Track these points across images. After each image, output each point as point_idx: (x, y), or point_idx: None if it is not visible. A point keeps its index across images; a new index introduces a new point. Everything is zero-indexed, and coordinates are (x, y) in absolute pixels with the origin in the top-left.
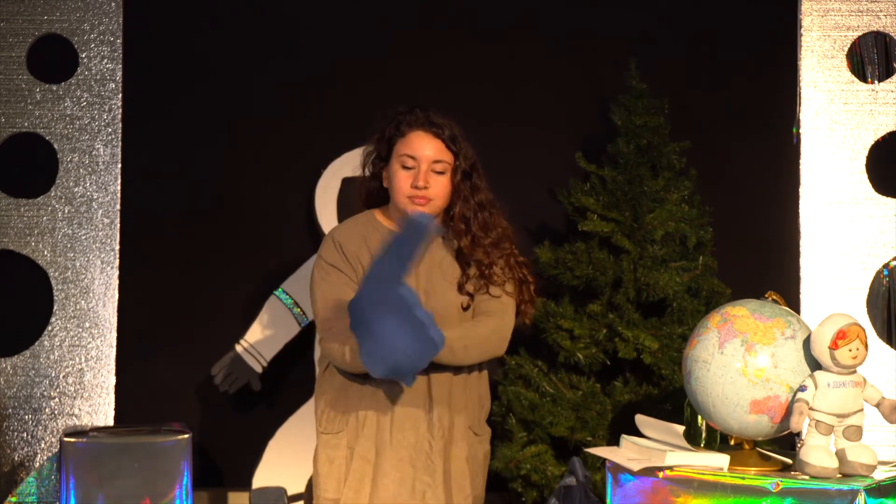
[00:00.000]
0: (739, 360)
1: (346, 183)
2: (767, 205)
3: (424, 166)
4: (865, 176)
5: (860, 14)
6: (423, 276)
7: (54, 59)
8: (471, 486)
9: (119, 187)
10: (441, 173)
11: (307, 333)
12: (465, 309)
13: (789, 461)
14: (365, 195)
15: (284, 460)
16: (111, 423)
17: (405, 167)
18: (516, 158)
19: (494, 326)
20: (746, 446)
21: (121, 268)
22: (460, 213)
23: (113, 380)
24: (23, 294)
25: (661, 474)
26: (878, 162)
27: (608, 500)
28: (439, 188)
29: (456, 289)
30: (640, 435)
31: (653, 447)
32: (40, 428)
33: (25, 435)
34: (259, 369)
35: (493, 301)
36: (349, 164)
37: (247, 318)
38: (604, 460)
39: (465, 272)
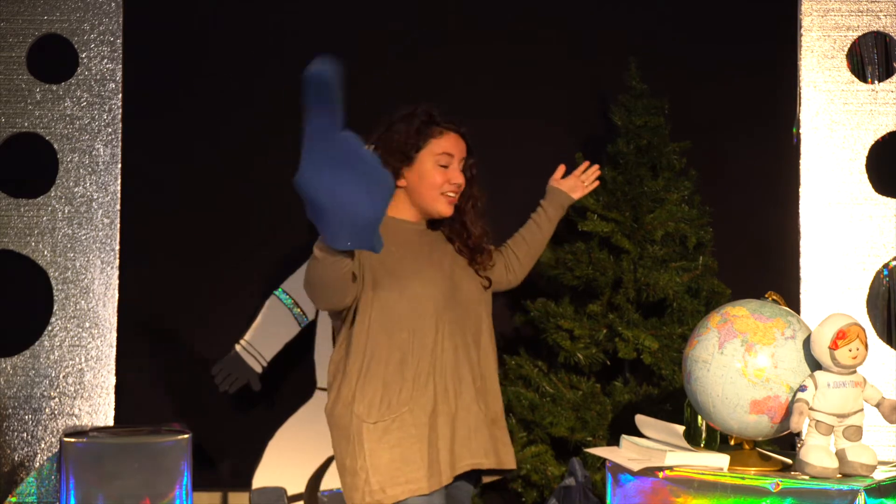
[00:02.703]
0: (739, 360)
1: None
2: (767, 205)
3: (458, 165)
4: (865, 176)
5: (860, 14)
6: (448, 269)
7: (54, 59)
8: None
9: (119, 187)
10: (463, 172)
11: (307, 333)
12: (487, 289)
13: (789, 461)
14: None
15: (284, 460)
16: (111, 423)
17: (443, 165)
18: (516, 158)
19: None
20: (746, 446)
21: (121, 268)
22: (470, 209)
23: (113, 380)
24: (23, 294)
25: (661, 474)
26: (878, 162)
27: (608, 500)
28: (462, 185)
29: (474, 274)
30: (640, 435)
31: (653, 447)
32: (40, 428)
33: (25, 435)
34: (259, 369)
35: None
36: None
37: (247, 318)
38: (604, 460)
39: (476, 259)
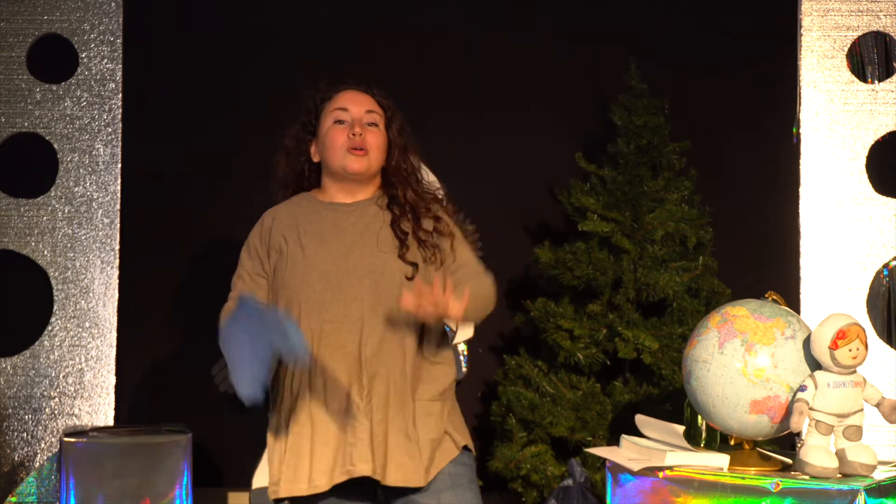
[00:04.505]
0: (739, 360)
1: None
2: (767, 205)
3: (357, 116)
4: (865, 176)
5: (860, 14)
6: (359, 247)
7: (54, 59)
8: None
9: (119, 187)
10: (374, 125)
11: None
12: (410, 279)
13: (789, 461)
14: (295, 181)
15: None
16: (111, 423)
17: (338, 121)
18: (516, 159)
19: (490, 282)
20: (746, 446)
21: (121, 268)
22: (398, 164)
23: (113, 380)
24: (23, 294)
25: (661, 474)
26: (878, 162)
27: (608, 500)
28: (375, 139)
29: (397, 258)
30: (640, 435)
31: (653, 447)
32: (40, 428)
33: (25, 435)
34: None
35: (465, 267)
36: None
37: None
38: (604, 460)
39: (405, 243)
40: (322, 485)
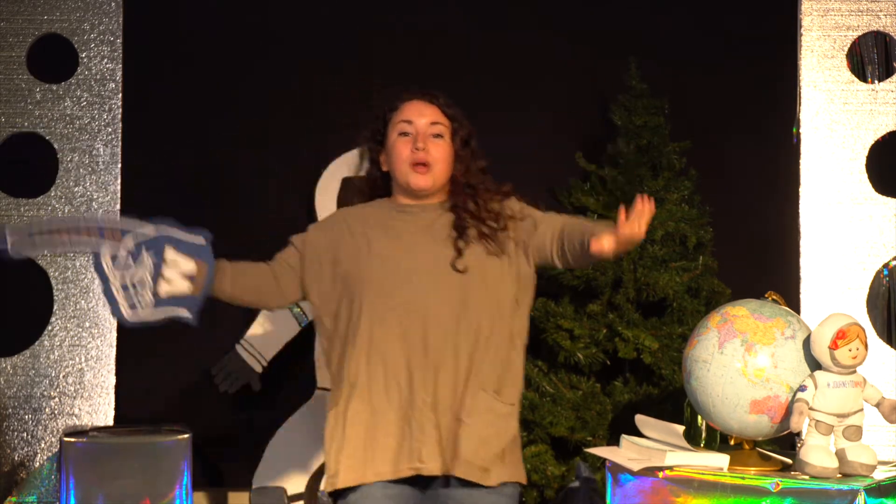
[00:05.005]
0: (739, 360)
1: (346, 183)
2: (767, 205)
3: (422, 130)
4: (865, 176)
5: (860, 14)
6: (419, 241)
7: (54, 59)
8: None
9: (119, 187)
10: (439, 136)
11: (307, 333)
12: (455, 267)
13: (789, 461)
14: (368, 188)
15: (284, 460)
16: (111, 423)
17: (403, 134)
18: (516, 158)
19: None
20: (746, 446)
21: None
22: (462, 177)
23: (113, 380)
24: (23, 294)
25: (661, 474)
26: (878, 162)
27: (608, 500)
28: (439, 152)
29: (445, 244)
30: (640, 435)
31: (653, 447)
32: (40, 428)
33: (25, 435)
34: (259, 369)
35: (564, 216)
36: (349, 164)
37: (247, 317)
38: (604, 460)
39: (462, 236)
40: (386, 472)
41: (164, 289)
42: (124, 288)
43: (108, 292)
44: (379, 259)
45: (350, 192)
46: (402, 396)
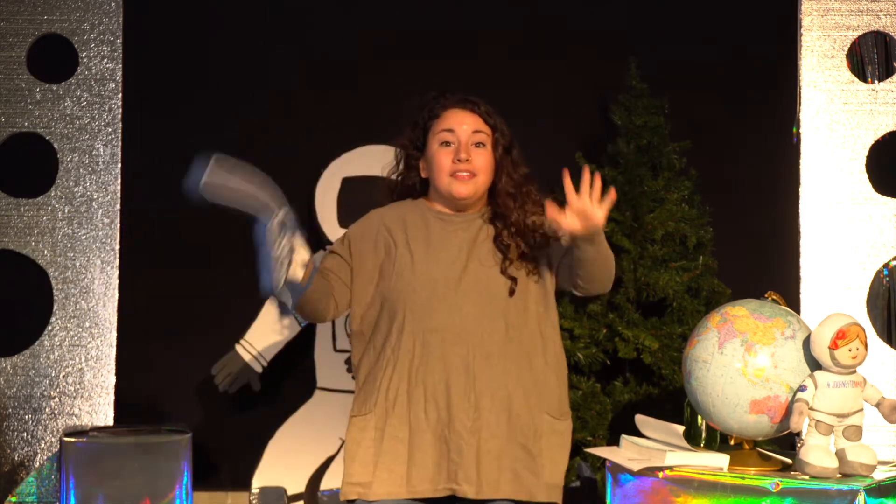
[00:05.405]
0: (739, 360)
1: (346, 183)
2: (767, 205)
3: (464, 139)
4: (865, 176)
5: (860, 14)
6: (464, 259)
7: (54, 59)
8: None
9: (119, 187)
10: (481, 146)
11: (307, 333)
12: (511, 294)
13: (789, 461)
14: (405, 193)
15: (284, 460)
16: (111, 423)
17: (444, 143)
18: None
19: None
20: (746, 446)
21: (121, 268)
22: (503, 187)
23: (113, 380)
24: (23, 294)
25: (661, 474)
26: (878, 162)
27: (608, 500)
28: (482, 161)
29: (499, 273)
30: (640, 435)
31: (653, 447)
32: (40, 428)
33: (25, 435)
34: (259, 369)
35: None
36: (349, 164)
37: (247, 318)
38: (604, 460)
39: (507, 257)
40: (424, 491)
41: (292, 272)
42: (276, 259)
43: (267, 261)
44: (423, 279)
45: (381, 193)
46: (441, 417)
